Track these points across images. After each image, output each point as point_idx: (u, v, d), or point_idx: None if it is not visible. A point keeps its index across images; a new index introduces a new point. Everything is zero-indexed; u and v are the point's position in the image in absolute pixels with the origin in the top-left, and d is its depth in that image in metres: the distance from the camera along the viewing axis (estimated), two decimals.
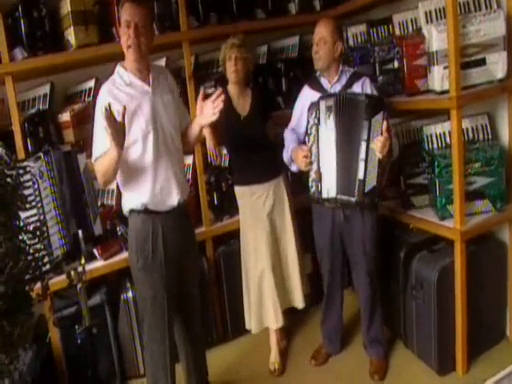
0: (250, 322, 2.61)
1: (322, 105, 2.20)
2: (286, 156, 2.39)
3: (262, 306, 2.54)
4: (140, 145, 1.91)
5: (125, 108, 1.76)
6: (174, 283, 2.03)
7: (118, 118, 1.76)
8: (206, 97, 2.00)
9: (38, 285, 1.45)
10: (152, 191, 1.94)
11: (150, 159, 1.93)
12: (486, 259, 2.35)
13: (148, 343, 2.06)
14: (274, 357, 2.61)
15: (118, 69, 1.99)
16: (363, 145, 2.12)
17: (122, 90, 1.92)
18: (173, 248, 2.00)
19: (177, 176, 2.02)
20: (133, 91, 1.93)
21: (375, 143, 2.07)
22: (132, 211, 1.98)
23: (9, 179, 1.39)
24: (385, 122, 2.07)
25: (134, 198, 1.97)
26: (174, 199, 2.00)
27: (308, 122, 2.27)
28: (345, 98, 2.18)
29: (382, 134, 2.07)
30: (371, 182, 2.12)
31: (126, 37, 1.87)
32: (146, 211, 1.95)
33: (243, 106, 2.51)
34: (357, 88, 2.29)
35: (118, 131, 1.74)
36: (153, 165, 1.93)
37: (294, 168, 2.39)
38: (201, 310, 2.26)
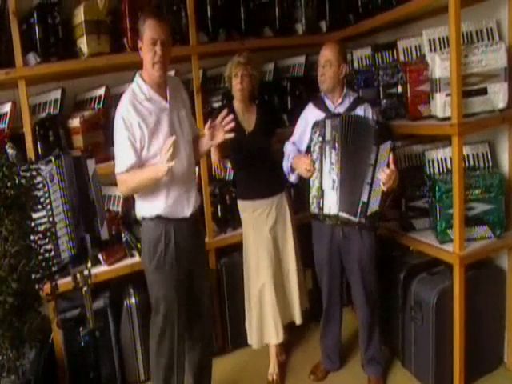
0: (252, 337, 2.60)
1: (328, 124, 2.22)
2: (285, 165, 2.41)
3: (263, 322, 2.53)
4: (158, 159, 1.94)
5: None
6: (183, 287, 2.06)
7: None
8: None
9: (46, 285, 1.46)
10: (165, 204, 2.00)
11: None
12: (485, 285, 2.36)
13: (157, 351, 2.07)
14: (272, 368, 2.61)
15: (137, 79, 1.98)
16: (370, 169, 2.14)
17: (143, 105, 1.95)
18: (184, 252, 2.04)
19: (189, 190, 2.07)
20: (152, 106, 1.96)
21: (381, 174, 2.10)
22: (145, 218, 2.05)
23: (23, 180, 1.41)
24: (391, 154, 2.11)
25: (147, 208, 2.03)
26: (186, 212, 2.06)
27: (311, 140, 2.28)
28: (352, 119, 2.21)
29: (388, 165, 2.10)
30: (374, 207, 2.15)
31: (151, 54, 1.89)
32: (158, 218, 2.01)
33: (248, 121, 2.54)
34: (360, 112, 2.32)
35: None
36: (167, 179, 1.95)
37: (292, 178, 2.41)
38: (210, 319, 2.29)
